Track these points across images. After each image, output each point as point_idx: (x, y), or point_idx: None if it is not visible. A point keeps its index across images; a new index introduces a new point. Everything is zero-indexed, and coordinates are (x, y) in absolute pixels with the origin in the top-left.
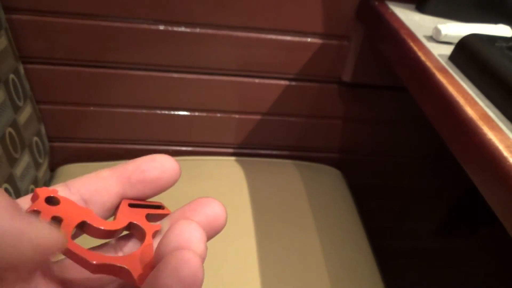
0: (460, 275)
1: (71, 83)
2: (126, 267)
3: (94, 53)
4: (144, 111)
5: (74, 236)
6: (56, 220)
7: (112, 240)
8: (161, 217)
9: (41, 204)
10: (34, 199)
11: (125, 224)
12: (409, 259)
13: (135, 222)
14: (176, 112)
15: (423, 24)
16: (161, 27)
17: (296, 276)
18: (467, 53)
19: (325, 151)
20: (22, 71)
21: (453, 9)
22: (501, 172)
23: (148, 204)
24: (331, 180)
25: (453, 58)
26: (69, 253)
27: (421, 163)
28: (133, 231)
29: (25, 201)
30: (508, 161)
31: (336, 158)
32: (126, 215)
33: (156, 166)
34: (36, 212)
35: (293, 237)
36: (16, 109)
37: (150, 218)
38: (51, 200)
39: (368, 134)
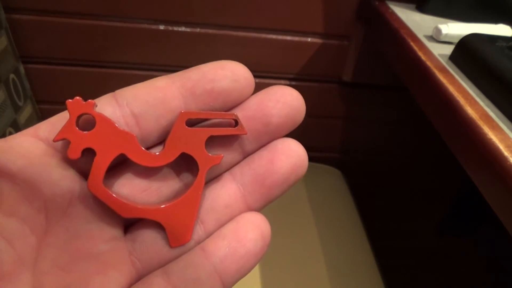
0: (460, 275)
1: (71, 83)
2: (160, 222)
3: (94, 53)
4: None
5: (109, 173)
6: (88, 155)
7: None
8: (231, 139)
9: (71, 129)
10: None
11: (173, 157)
12: (409, 259)
13: (188, 152)
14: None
15: (424, 24)
16: (161, 27)
17: (296, 275)
18: (467, 53)
19: (325, 151)
20: (22, 71)
21: (454, 9)
22: (501, 172)
23: (214, 120)
24: (331, 180)
25: (453, 57)
26: (99, 199)
27: (421, 163)
28: (185, 164)
29: (59, 119)
30: (508, 161)
31: (336, 158)
32: (180, 139)
33: (226, 74)
34: (66, 142)
35: (292, 236)
36: (17, 109)
37: (215, 141)
38: (86, 120)
39: (369, 134)
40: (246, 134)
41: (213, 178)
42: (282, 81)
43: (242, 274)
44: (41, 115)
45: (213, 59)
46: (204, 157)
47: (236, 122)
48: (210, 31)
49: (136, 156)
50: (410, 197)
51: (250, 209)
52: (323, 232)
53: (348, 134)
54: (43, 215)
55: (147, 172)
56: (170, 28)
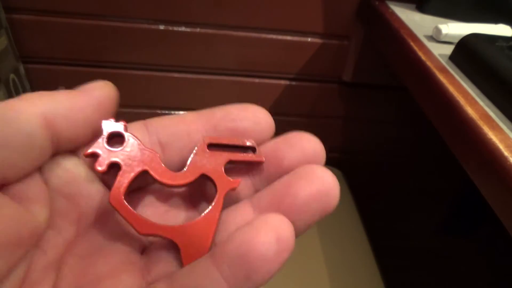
0: (460, 275)
1: (71, 83)
2: (174, 241)
3: (94, 53)
4: (145, 111)
5: (133, 186)
6: (114, 168)
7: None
8: (250, 165)
9: (101, 146)
10: (98, 134)
11: (193, 177)
12: (409, 259)
13: (208, 174)
14: (177, 112)
15: (424, 24)
16: (161, 27)
17: (296, 275)
18: (467, 53)
19: (325, 151)
20: (22, 71)
21: (454, 9)
22: (501, 172)
23: (234, 145)
24: None
25: (453, 57)
26: (119, 212)
27: (421, 163)
28: (204, 185)
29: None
30: (509, 161)
31: (336, 158)
32: (201, 161)
33: (248, 116)
34: (94, 156)
35: None
36: None
37: (233, 166)
38: (116, 138)
39: (368, 134)
40: (263, 162)
41: (230, 204)
42: (282, 81)
43: (254, 282)
44: None
45: (213, 59)
46: (223, 180)
47: (254, 150)
48: (210, 31)
49: (158, 174)
50: (410, 197)
51: None
52: (323, 232)
53: (348, 134)
54: (75, 227)
55: (167, 197)
56: (170, 28)
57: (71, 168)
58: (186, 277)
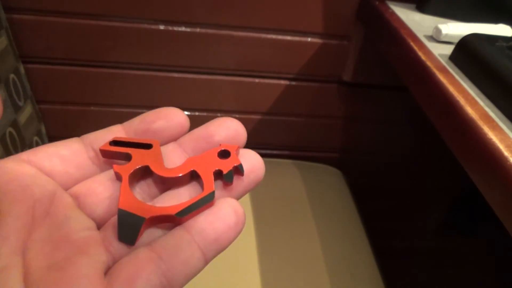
0: (460, 275)
1: (71, 83)
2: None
3: (94, 53)
4: (145, 110)
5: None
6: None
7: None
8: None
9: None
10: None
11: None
12: (409, 259)
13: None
14: None
15: (424, 24)
16: (161, 27)
17: (296, 276)
18: (467, 53)
19: (325, 151)
20: (22, 71)
21: (454, 9)
22: (501, 172)
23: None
24: (331, 180)
25: (453, 57)
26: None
27: (421, 163)
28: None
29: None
30: (509, 161)
31: (336, 158)
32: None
33: (160, 116)
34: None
35: (293, 237)
36: (17, 108)
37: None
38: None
39: (369, 134)
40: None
41: None
42: (282, 81)
43: (220, 244)
44: (41, 115)
45: (213, 59)
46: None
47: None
48: (210, 31)
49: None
50: (410, 197)
51: None
52: (323, 232)
53: (348, 134)
54: (31, 214)
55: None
56: (170, 28)
57: (19, 165)
58: (165, 241)
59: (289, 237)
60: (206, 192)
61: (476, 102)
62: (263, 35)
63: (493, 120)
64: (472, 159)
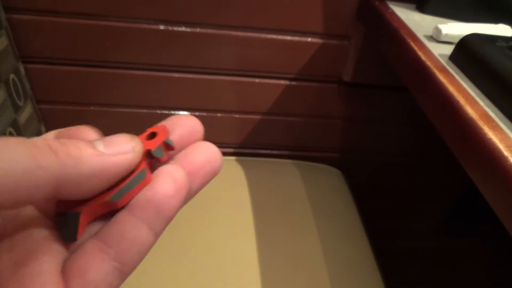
0: (460, 275)
1: (71, 83)
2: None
3: (94, 53)
4: (145, 110)
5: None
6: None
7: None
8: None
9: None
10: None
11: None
12: (409, 259)
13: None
14: (176, 112)
15: (424, 24)
16: (161, 27)
17: (296, 276)
18: (467, 53)
19: (325, 151)
20: (22, 71)
21: (454, 9)
22: (501, 172)
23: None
24: (331, 180)
25: (453, 57)
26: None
27: (421, 163)
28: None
29: None
30: (508, 161)
31: (336, 158)
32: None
33: (77, 137)
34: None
35: (293, 236)
36: (17, 108)
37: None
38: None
39: (369, 134)
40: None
41: None
42: (282, 81)
43: (165, 215)
44: (41, 115)
45: (213, 59)
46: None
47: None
48: (210, 31)
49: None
50: (410, 197)
51: None
52: (323, 232)
53: (348, 134)
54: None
55: None
56: (170, 28)
57: None
58: (109, 227)
59: (289, 237)
60: (136, 171)
61: (476, 102)
62: (263, 35)
63: (493, 120)
64: (472, 159)
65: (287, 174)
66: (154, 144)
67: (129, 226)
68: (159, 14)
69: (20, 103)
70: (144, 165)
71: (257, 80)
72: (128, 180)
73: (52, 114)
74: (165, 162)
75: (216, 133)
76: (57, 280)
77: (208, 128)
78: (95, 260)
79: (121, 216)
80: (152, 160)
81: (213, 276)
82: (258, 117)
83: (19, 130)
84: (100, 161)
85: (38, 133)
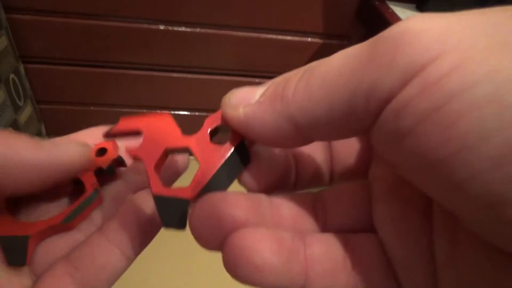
0: None
1: (71, 83)
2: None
3: (94, 53)
4: (144, 110)
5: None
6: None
7: None
8: None
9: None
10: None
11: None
12: None
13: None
14: (177, 112)
15: None
16: (162, 27)
17: None
18: None
19: None
20: (22, 71)
21: (453, 9)
22: None
23: None
24: None
25: None
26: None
27: None
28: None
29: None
30: None
31: None
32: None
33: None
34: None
35: None
36: (17, 108)
37: None
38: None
39: None
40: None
41: None
42: None
43: (142, 239)
44: (41, 115)
45: (213, 59)
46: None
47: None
48: (210, 31)
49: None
50: None
51: None
52: None
53: None
54: None
55: None
56: (170, 28)
57: None
58: (81, 249)
59: None
60: (88, 192)
61: None
62: (263, 35)
63: None
64: None
65: None
66: (105, 162)
67: (101, 250)
68: (159, 14)
69: (20, 103)
70: (96, 185)
71: (257, 80)
72: (79, 202)
73: (52, 114)
74: (117, 179)
75: None
76: None
77: None
78: (60, 284)
79: (94, 237)
80: (103, 178)
81: (212, 275)
82: None
83: (19, 130)
84: (35, 153)
85: (38, 133)
